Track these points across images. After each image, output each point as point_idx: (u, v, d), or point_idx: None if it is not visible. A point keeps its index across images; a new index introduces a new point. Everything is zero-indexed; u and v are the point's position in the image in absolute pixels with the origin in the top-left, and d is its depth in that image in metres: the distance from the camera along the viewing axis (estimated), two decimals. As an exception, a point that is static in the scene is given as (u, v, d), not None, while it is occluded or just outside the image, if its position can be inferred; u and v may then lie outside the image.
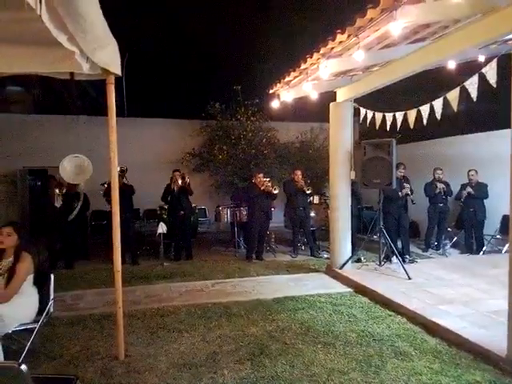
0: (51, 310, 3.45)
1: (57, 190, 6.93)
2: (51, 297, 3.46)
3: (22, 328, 3.20)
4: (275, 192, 7.59)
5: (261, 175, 7.76)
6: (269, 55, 12.25)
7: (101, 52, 2.74)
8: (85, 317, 4.52)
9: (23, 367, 1.54)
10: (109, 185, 6.57)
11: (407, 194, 7.06)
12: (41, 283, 3.46)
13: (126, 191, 7.15)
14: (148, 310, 4.71)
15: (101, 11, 2.41)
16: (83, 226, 7.97)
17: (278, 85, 5.90)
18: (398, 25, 3.20)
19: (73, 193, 7.41)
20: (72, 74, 3.20)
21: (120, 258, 3.45)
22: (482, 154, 7.97)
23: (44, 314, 3.34)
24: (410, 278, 5.56)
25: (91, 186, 7.39)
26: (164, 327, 4.18)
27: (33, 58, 2.79)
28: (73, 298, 5.24)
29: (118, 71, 3.21)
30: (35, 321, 3.28)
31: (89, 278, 6.28)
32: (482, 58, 4.92)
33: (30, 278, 3.36)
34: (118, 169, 6.70)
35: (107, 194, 6.67)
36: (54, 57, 2.81)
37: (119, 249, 3.42)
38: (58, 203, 6.96)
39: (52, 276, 3.52)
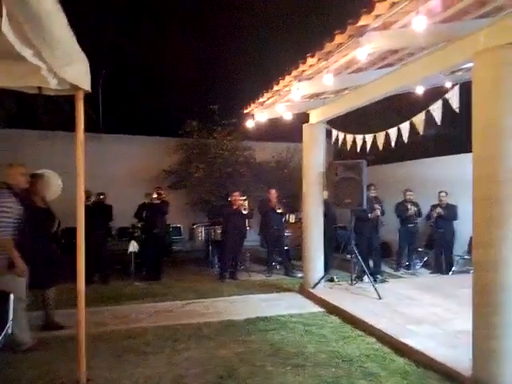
0: (9, 331, 3.30)
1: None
2: (10, 318, 3.31)
3: (-23, 351, 3.05)
4: (244, 212, 7.58)
5: (237, 193, 7.77)
6: (245, 75, 12.45)
7: (69, 68, 2.72)
8: (48, 339, 4.35)
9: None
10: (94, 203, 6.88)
11: (377, 216, 7.17)
12: (-1, 303, 3.31)
13: (103, 211, 7.11)
14: (115, 332, 4.57)
15: (69, 27, 2.40)
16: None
17: (253, 105, 5.97)
18: (364, 50, 3.32)
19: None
20: (40, 88, 3.17)
21: (83, 277, 3.37)
22: (451, 176, 8.19)
23: (1, 336, 3.18)
24: (380, 298, 5.60)
25: (63, 203, 7.21)
26: (130, 350, 4.05)
27: (-2, 72, 2.75)
28: (37, 319, 5.03)
29: (88, 87, 3.18)
30: (-8, 344, 3.12)
31: (55, 299, 6.05)
32: (448, 85, 5.13)
33: None
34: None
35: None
36: (20, 71, 2.78)
37: (83, 268, 3.34)
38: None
39: (12, 296, 3.37)
